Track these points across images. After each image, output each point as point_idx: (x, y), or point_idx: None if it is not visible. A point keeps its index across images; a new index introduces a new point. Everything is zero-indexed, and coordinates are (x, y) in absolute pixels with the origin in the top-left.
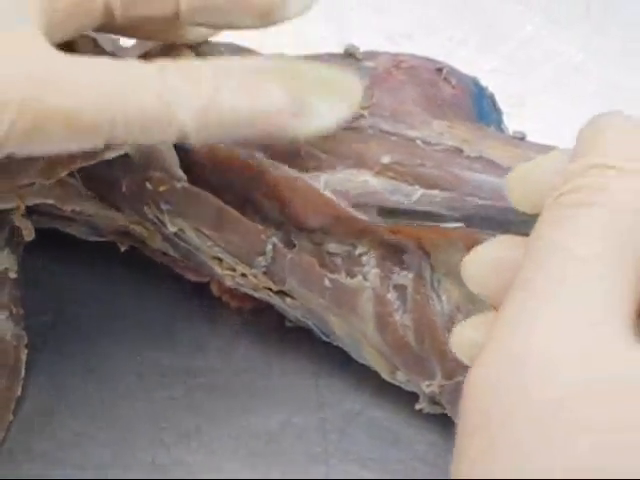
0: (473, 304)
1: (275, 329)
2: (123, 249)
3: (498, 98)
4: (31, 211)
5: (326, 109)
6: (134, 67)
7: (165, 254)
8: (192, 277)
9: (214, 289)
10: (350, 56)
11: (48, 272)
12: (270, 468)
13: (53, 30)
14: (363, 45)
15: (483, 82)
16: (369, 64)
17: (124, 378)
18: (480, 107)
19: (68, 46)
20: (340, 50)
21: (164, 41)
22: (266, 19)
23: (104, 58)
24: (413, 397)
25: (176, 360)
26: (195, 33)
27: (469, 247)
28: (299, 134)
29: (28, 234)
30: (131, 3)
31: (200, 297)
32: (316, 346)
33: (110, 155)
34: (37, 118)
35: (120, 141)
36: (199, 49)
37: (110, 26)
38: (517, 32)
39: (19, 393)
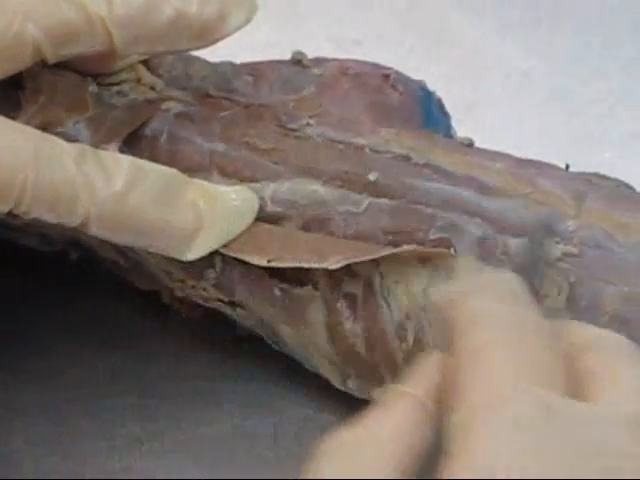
0: (424, 312)
1: (226, 336)
2: (73, 258)
3: (448, 104)
4: None
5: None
6: (55, 144)
7: (115, 263)
8: (142, 286)
9: (165, 297)
10: (297, 63)
11: None
12: (221, 473)
13: None
14: (312, 52)
15: (433, 88)
16: (316, 71)
17: (75, 385)
18: (428, 112)
19: None
20: (288, 57)
21: (102, 72)
22: (205, 39)
23: (29, 128)
24: (365, 402)
25: (127, 367)
26: (133, 58)
27: (419, 257)
28: (220, 37)
29: None
30: (61, 43)
31: (151, 305)
32: (268, 352)
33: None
34: None
35: (25, 211)
36: (149, 62)
37: (43, 64)
38: (467, 38)
39: None
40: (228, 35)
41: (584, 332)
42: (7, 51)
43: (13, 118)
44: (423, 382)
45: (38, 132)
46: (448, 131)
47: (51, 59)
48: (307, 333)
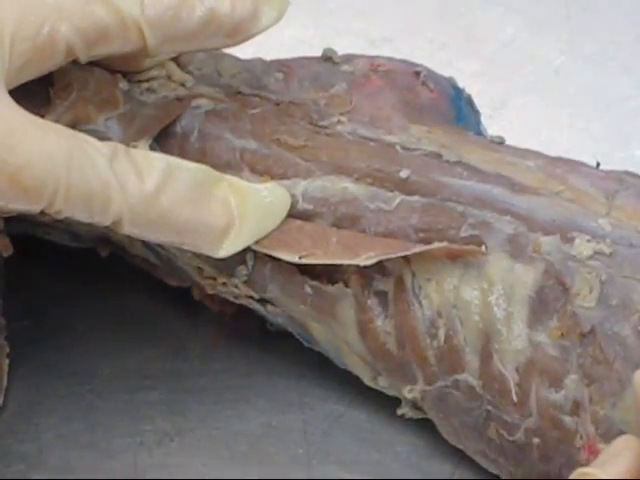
0: (455, 309)
1: (256, 333)
2: (103, 255)
3: (479, 101)
4: (10, 218)
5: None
6: (88, 143)
7: (145, 260)
8: (173, 282)
9: (195, 294)
10: (328, 60)
11: (29, 276)
12: (251, 469)
13: (14, 73)
14: (343, 49)
15: (463, 85)
16: (347, 68)
17: (106, 381)
18: (458, 109)
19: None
20: (318, 54)
21: (133, 70)
22: (236, 37)
23: (61, 127)
24: (395, 399)
25: (158, 363)
26: (164, 56)
27: (450, 255)
28: (252, 35)
29: (6, 250)
30: (94, 44)
31: (181, 301)
32: (298, 349)
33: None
34: None
35: (57, 211)
36: (180, 59)
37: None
38: (497, 35)
39: (1, 403)
40: (259, 33)
41: None
42: (40, 51)
43: (42, 115)
44: (616, 468)
45: (71, 131)
46: (478, 128)
47: (83, 59)
48: (338, 330)
